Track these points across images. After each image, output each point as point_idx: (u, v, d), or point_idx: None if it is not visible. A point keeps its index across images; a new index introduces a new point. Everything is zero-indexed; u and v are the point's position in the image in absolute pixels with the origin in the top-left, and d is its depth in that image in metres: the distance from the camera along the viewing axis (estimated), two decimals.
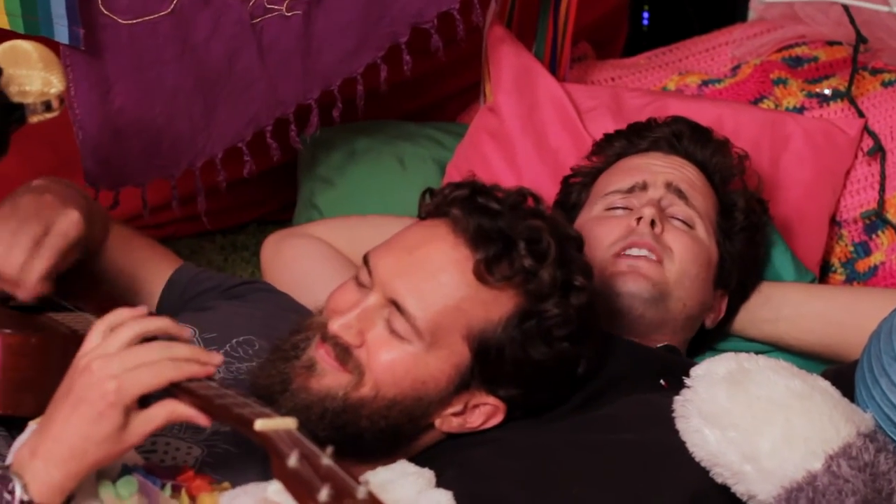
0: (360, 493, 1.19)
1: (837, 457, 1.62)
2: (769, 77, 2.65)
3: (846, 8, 2.53)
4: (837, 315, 2.15)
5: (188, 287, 2.16)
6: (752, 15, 2.98)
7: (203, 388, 1.45)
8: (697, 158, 2.19)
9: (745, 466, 1.65)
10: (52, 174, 2.01)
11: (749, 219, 2.18)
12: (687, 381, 1.72)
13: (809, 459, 1.62)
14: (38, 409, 1.54)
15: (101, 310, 1.79)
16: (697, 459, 1.69)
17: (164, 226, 2.64)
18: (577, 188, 2.26)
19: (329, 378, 1.72)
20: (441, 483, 1.63)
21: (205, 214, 2.36)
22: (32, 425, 1.54)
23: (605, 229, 2.08)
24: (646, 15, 3.34)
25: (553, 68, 2.64)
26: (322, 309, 1.79)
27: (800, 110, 2.60)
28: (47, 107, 1.79)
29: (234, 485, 1.58)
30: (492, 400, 1.77)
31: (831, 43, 2.70)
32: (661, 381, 1.87)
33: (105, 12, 2.03)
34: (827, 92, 2.60)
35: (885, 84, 2.58)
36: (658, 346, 2.05)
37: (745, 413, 1.65)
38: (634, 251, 2.04)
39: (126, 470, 1.54)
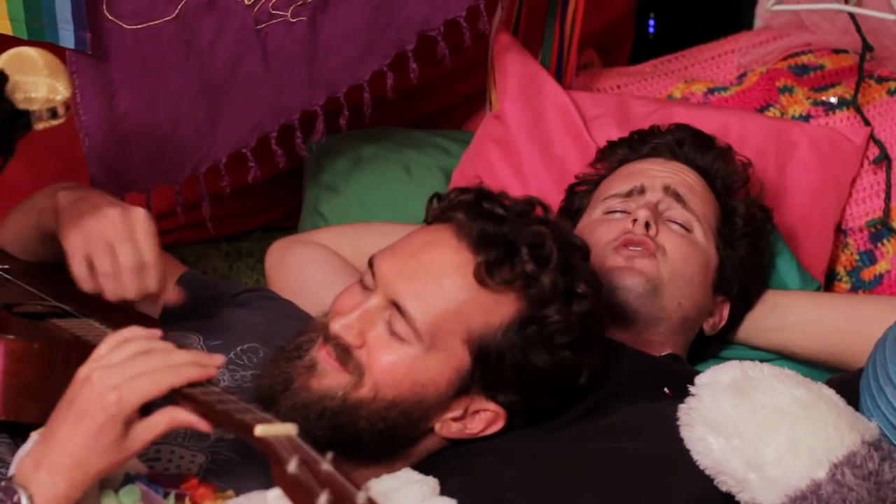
0: (360, 498, 1.19)
1: (842, 465, 1.62)
2: (775, 85, 2.65)
3: (852, 16, 2.53)
4: (842, 323, 2.15)
5: (193, 294, 2.15)
6: (758, 23, 2.98)
7: (204, 394, 1.46)
8: (698, 164, 2.19)
9: (749, 475, 1.64)
10: (57, 181, 2.01)
11: (751, 225, 2.18)
12: (691, 389, 1.72)
13: (814, 468, 1.62)
14: (41, 415, 1.54)
15: (106, 316, 1.80)
16: (702, 468, 1.68)
17: (169, 232, 2.64)
18: (580, 195, 2.27)
19: (329, 378, 1.73)
20: (445, 491, 1.63)
21: (210, 221, 2.36)
22: (35, 435, 1.54)
23: (601, 231, 2.08)
24: (652, 23, 3.34)
25: (559, 76, 2.64)
26: (327, 311, 1.80)
27: (806, 118, 2.60)
28: (53, 114, 1.79)
29: (238, 492, 1.59)
30: (492, 406, 1.77)
31: (837, 51, 2.70)
32: (665, 390, 1.87)
33: (109, 17, 2.04)
34: (833, 100, 2.60)
35: (891, 92, 2.58)
36: (661, 354, 2.05)
37: (749, 421, 1.65)
38: (629, 247, 2.04)
39: (129, 479, 1.54)
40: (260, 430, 1.33)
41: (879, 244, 2.48)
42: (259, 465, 1.61)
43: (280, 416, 1.41)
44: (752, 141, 2.46)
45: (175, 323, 2.07)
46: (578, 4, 2.58)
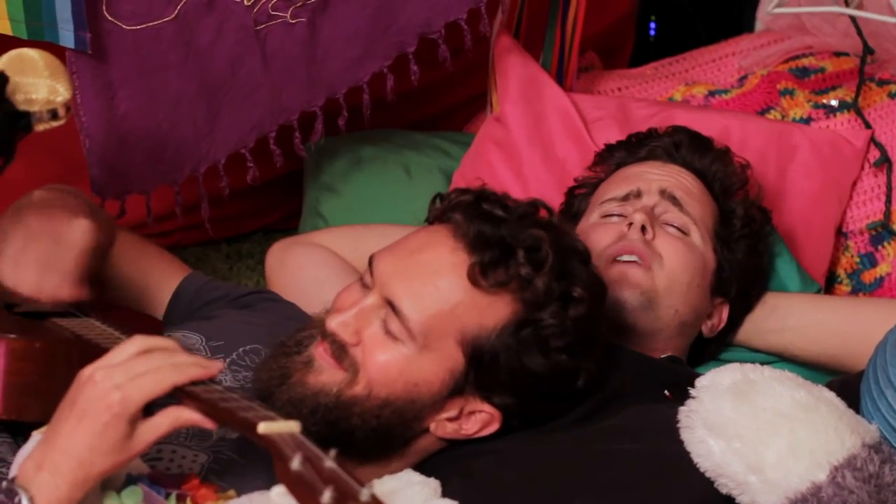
0: (364, 495, 1.19)
1: (842, 468, 1.62)
2: (776, 88, 2.65)
3: (853, 19, 2.53)
4: (843, 325, 2.14)
5: (196, 296, 2.16)
6: (759, 25, 2.98)
7: (207, 392, 1.45)
8: (696, 167, 2.19)
9: (749, 477, 1.64)
10: (58, 183, 2.01)
11: (749, 227, 2.18)
12: (692, 391, 1.71)
13: (814, 470, 1.62)
14: (43, 415, 1.54)
15: (107, 316, 1.80)
16: (702, 470, 1.68)
17: (169, 234, 2.65)
18: (579, 198, 2.27)
19: (325, 375, 1.73)
20: (446, 493, 1.63)
21: (211, 223, 2.36)
22: (37, 435, 1.53)
23: (598, 235, 2.08)
24: (653, 25, 3.34)
25: (560, 78, 2.64)
26: (329, 309, 1.80)
27: (806, 121, 2.59)
28: (53, 115, 1.80)
29: (239, 492, 1.59)
30: (487, 407, 1.77)
31: (838, 54, 2.70)
32: (666, 392, 1.87)
33: (109, 18, 2.04)
34: (834, 103, 2.60)
35: (891, 95, 2.58)
36: (662, 356, 2.05)
37: (750, 424, 1.65)
38: (625, 257, 2.05)
39: (131, 480, 1.54)
40: (263, 427, 1.33)
41: (880, 247, 2.48)
42: (261, 464, 1.62)
43: (275, 410, 1.41)
44: (753, 144, 2.46)
45: (177, 324, 2.07)
46: (579, 7, 2.58)
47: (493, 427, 1.78)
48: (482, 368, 1.74)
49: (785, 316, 2.18)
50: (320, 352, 1.75)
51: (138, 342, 1.51)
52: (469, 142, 2.62)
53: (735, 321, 2.19)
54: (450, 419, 1.77)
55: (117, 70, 2.10)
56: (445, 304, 1.72)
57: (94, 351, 1.55)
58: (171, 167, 2.25)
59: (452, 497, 1.61)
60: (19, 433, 1.69)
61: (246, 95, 2.24)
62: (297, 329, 1.81)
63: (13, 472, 1.53)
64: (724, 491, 1.67)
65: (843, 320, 2.16)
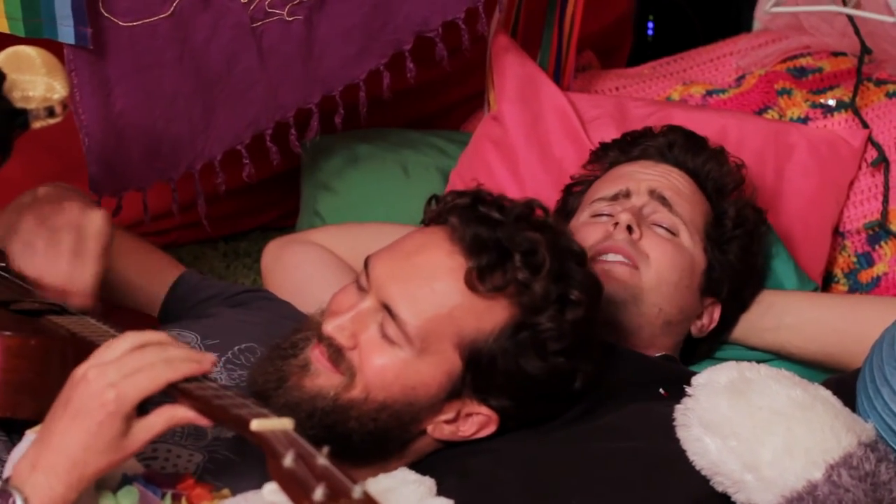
0: (356, 492, 1.19)
1: (838, 466, 1.62)
2: (773, 87, 2.65)
3: (851, 19, 2.53)
4: (839, 323, 2.14)
5: (191, 294, 2.16)
6: (757, 25, 2.98)
7: (201, 390, 1.45)
8: (689, 167, 2.19)
9: (745, 475, 1.64)
10: (55, 180, 2.01)
11: (742, 227, 2.17)
12: (688, 389, 1.71)
13: (810, 469, 1.62)
14: (37, 412, 1.54)
15: (103, 314, 1.80)
16: (698, 468, 1.68)
17: (166, 232, 2.65)
18: (574, 195, 2.27)
19: (322, 378, 1.73)
20: (441, 491, 1.63)
21: (208, 221, 2.36)
22: (31, 435, 1.53)
23: (586, 234, 2.08)
24: (651, 25, 3.34)
25: (557, 77, 2.64)
26: (324, 310, 1.80)
27: (804, 121, 2.60)
28: (50, 112, 1.80)
29: (235, 491, 1.59)
30: (484, 410, 1.77)
31: (836, 54, 2.70)
32: (661, 391, 1.87)
33: (105, 14, 2.04)
34: (831, 103, 2.60)
35: (889, 95, 2.58)
36: (657, 355, 2.05)
37: (746, 422, 1.65)
38: (609, 256, 2.04)
39: (126, 479, 1.54)
40: (256, 424, 1.33)
41: (877, 246, 2.48)
42: (256, 464, 1.61)
43: (273, 414, 1.41)
44: (751, 143, 2.46)
45: (172, 322, 2.07)
46: (577, 6, 2.58)
47: (490, 429, 1.78)
48: (480, 372, 1.74)
49: (781, 314, 2.18)
50: (317, 355, 1.74)
51: (130, 338, 1.50)
52: (466, 141, 2.62)
53: (729, 321, 2.19)
54: (447, 421, 1.77)
55: (113, 67, 2.10)
56: (442, 308, 1.72)
57: (89, 348, 1.54)
58: (167, 164, 2.25)
59: (448, 496, 1.61)
60: (14, 430, 1.69)
61: (242, 92, 2.24)
62: (292, 331, 1.81)
63: (7, 472, 1.52)
64: (719, 489, 1.68)
65: (840, 318, 2.15)
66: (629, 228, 2.06)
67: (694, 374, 1.75)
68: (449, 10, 2.29)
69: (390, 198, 2.53)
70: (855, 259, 2.50)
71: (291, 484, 1.22)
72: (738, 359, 1.79)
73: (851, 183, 2.52)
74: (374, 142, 2.62)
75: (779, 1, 2.58)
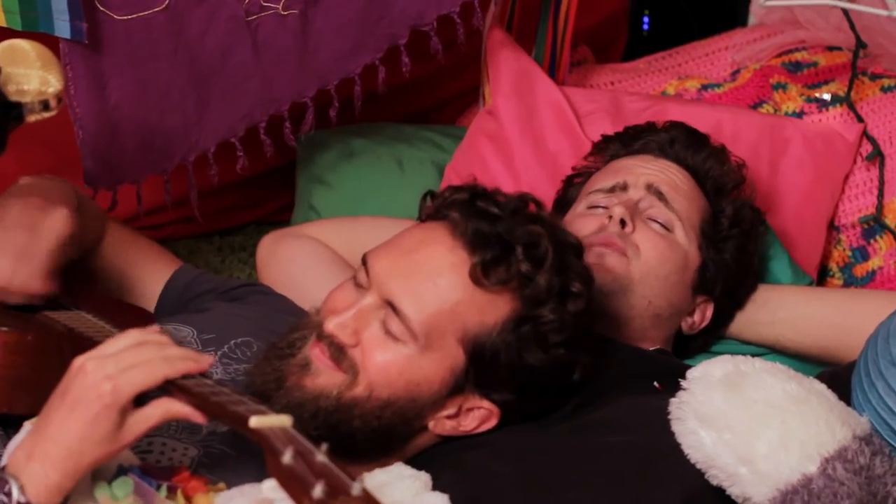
0: (355, 489, 1.19)
1: (833, 460, 1.62)
2: (769, 82, 2.65)
3: (846, 13, 2.53)
4: (834, 318, 2.14)
5: (187, 288, 2.16)
6: (752, 20, 2.98)
7: (198, 386, 1.45)
8: (689, 163, 2.19)
9: (740, 469, 1.64)
10: (49, 174, 2.01)
11: (738, 227, 2.17)
12: (683, 383, 1.71)
13: (805, 462, 1.62)
14: (34, 407, 1.54)
15: (99, 309, 1.80)
16: (693, 461, 1.68)
17: (161, 227, 2.65)
18: (574, 186, 2.27)
19: (323, 377, 1.72)
20: (437, 486, 1.63)
21: (203, 216, 2.36)
22: (28, 425, 1.53)
23: (580, 224, 2.08)
24: (646, 20, 3.34)
25: (552, 72, 2.64)
26: (319, 308, 1.79)
27: (799, 115, 2.60)
28: (45, 106, 1.79)
29: (230, 485, 1.58)
30: (486, 404, 1.77)
31: (831, 48, 2.70)
32: (656, 384, 1.87)
33: (100, 8, 2.03)
34: (826, 97, 2.60)
35: (884, 89, 2.58)
36: (651, 349, 2.05)
37: (741, 415, 1.65)
38: (598, 249, 2.04)
39: (122, 471, 1.54)
40: (255, 421, 1.33)
41: (872, 241, 2.49)
42: (251, 458, 1.62)
43: (271, 410, 1.41)
44: (746, 137, 2.46)
45: (168, 316, 2.07)
46: (572, 1, 2.58)
47: (492, 423, 1.78)
48: (483, 366, 1.74)
49: (776, 308, 2.18)
50: (317, 353, 1.74)
51: (131, 335, 1.51)
52: (461, 135, 2.62)
53: (723, 319, 2.19)
54: (449, 417, 1.77)
55: (109, 60, 2.10)
56: (446, 303, 1.72)
57: (86, 344, 1.55)
58: (161, 156, 2.25)
59: (444, 490, 1.61)
60: (10, 426, 1.69)
61: (236, 85, 2.23)
62: (289, 330, 1.80)
63: (3, 460, 1.52)
64: (714, 482, 1.67)
65: (835, 312, 2.16)
66: (622, 222, 2.06)
67: (689, 367, 1.75)
68: (444, 4, 2.29)
69: (385, 192, 2.53)
70: (850, 253, 2.51)
71: (291, 481, 1.22)
72: (733, 353, 1.79)
73: (846, 177, 2.52)
74: (369, 136, 2.62)
75: None
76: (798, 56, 2.71)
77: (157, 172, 2.28)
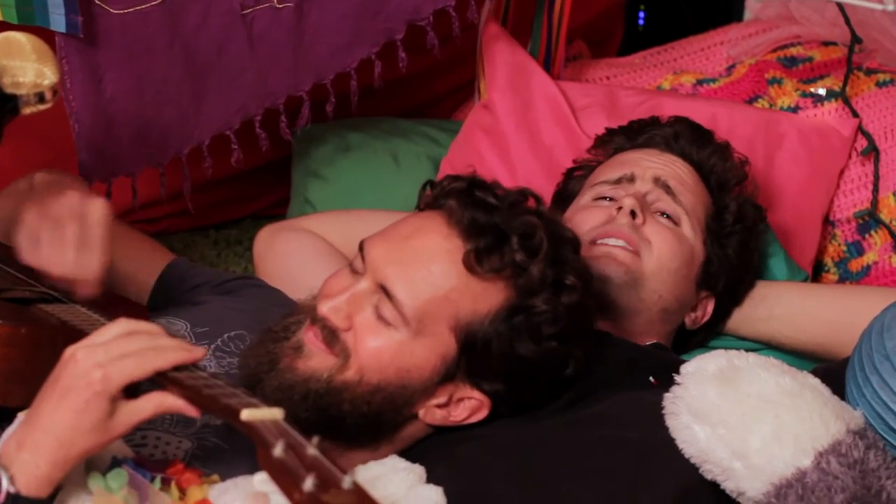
0: (346, 482, 1.19)
1: (827, 454, 1.62)
2: (764, 77, 2.65)
3: (841, 8, 2.53)
4: (830, 314, 2.15)
5: (180, 282, 2.16)
6: (747, 15, 2.98)
7: (191, 378, 1.45)
8: (693, 158, 2.19)
9: (734, 463, 1.65)
10: (45, 167, 2.01)
11: (741, 223, 2.17)
12: (677, 377, 1.72)
13: (799, 456, 1.62)
14: (28, 400, 1.54)
15: (93, 302, 1.80)
16: (687, 456, 1.69)
17: (157, 220, 2.65)
18: (576, 179, 2.27)
19: (315, 360, 1.73)
20: (431, 479, 1.63)
21: (199, 209, 2.36)
22: (21, 416, 1.53)
23: (587, 216, 2.08)
24: (642, 14, 3.34)
25: (548, 66, 2.64)
26: (316, 294, 1.79)
27: (794, 110, 2.60)
28: (40, 98, 1.79)
29: (223, 478, 1.59)
30: (476, 394, 1.77)
31: (826, 43, 2.70)
32: (651, 379, 1.87)
33: (97, 2, 2.03)
34: (821, 92, 2.60)
35: (879, 84, 2.58)
36: (647, 343, 2.05)
37: (735, 410, 1.65)
38: (611, 241, 2.04)
39: (116, 462, 1.54)
40: (246, 414, 1.33)
41: (867, 235, 2.49)
42: (245, 451, 1.61)
43: (265, 396, 1.41)
44: (741, 132, 2.46)
45: (162, 310, 2.07)
46: None
47: (482, 414, 1.78)
48: (474, 355, 1.74)
49: (773, 304, 2.19)
50: (310, 337, 1.74)
51: (122, 324, 1.51)
52: (457, 129, 2.62)
53: (722, 314, 2.19)
54: (439, 406, 1.77)
55: (104, 54, 2.10)
56: (439, 290, 1.72)
57: (80, 337, 1.55)
58: (156, 149, 2.25)
59: (437, 483, 1.61)
60: (4, 419, 1.68)
61: (232, 78, 2.24)
62: (284, 315, 1.81)
63: None
64: (709, 477, 1.68)
65: (830, 308, 2.16)
66: (633, 213, 2.06)
67: (684, 362, 1.75)
68: None
69: (381, 186, 2.53)
70: (845, 248, 2.51)
71: (281, 474, 1.22)
72: (728, 348, 1.79)
73: (841, 172, 2.52)
74: (364, 130, 2.62)
75: None
76: (793, 51, 2.71)
77: (153, 165, 2.28)
